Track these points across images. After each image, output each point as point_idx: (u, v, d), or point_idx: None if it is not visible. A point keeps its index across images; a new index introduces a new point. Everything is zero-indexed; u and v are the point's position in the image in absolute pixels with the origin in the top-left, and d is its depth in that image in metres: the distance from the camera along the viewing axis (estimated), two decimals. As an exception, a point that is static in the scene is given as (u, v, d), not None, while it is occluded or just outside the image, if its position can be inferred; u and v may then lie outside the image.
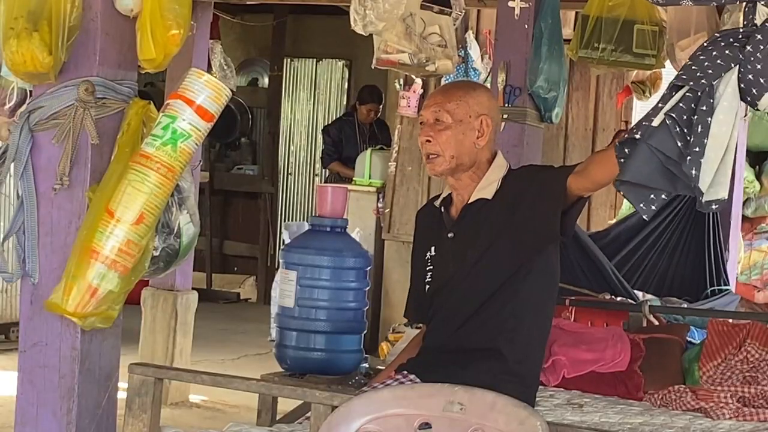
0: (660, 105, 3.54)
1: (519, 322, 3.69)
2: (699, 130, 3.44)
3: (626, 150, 3.52)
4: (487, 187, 3.76)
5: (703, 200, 3.46)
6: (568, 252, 6.57)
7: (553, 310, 3.87)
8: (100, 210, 3.67)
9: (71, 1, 3.67)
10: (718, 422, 4.37)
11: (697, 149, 3.42)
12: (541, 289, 3.74)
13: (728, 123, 3.48)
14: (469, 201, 3.77)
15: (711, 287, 7.15)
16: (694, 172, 3.41)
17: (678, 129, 3.46)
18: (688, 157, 3.42)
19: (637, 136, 3.50)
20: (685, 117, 3.47)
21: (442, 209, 3.86)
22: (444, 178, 3.83)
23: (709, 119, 3.45)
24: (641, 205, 3.54)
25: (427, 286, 3.85)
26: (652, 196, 3.53)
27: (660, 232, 7.23)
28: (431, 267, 3.85)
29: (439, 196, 3.91)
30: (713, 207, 3.50)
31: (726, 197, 3.52)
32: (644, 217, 3.61)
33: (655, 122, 3.50)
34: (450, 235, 3.79)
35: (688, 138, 3.45)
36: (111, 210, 3.65)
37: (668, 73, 6.76)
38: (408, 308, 3.97)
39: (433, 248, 3.84)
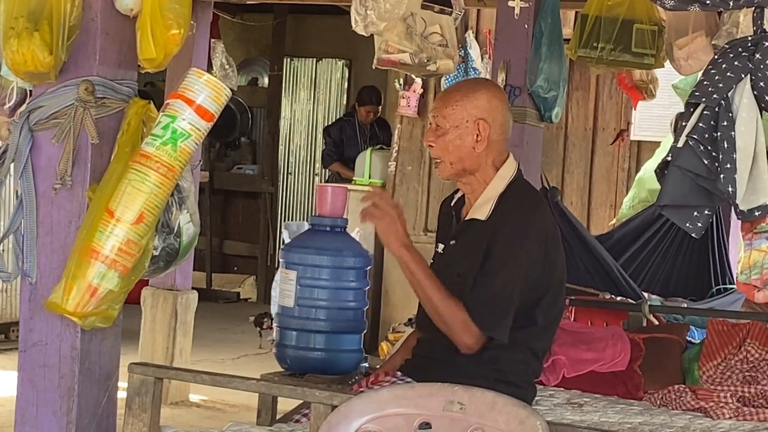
0: (683, 124, 3.56)
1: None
2: (725, 146, 3.44)
3: (665, 173, 3.54)
4: (483, 206, 3.68)
5: (745, 210, 3.46)
6: (573, 251, 6.57)
7: (557, 315, 3.78)
8: (100, 209, 3.66)
9: (71, 1, 3.67)
10: (718, 422, 4.37)
11: (728, 165, 3.43)
12: (528, 302, 3.65)
13: (751, 133, 3.49)
14: (467, 218, 3.73)
15: (716, 286, 7.15)
16: (730, 188, 3.41)
17: (702, 148, 3.47)
18: (722, 175, 3.43)
19: (669, 159, 3.53)
20: (706, 135, 3.48)
21: (454, 212, 3.83)
22: (455, 181, 3.79)
23: (733, 133, 3.46)
24: (687, 224, 3.53)
25: None
26: (695, 213, 3.53)
27: (664, 233, 7.23)
28: (432, 264, 3.83)
29: (458, 191, 3.85)
30: (756, 214, 3.50)
31: None
32: (693, 235, 3.59)
33: (680, 143, 3.52)
34: (452, 242, 3.76)
35: (714, 154, 3.46)
36: (111, 209, 3.65)
37: (665, 73, 6.75)
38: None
39: (441, 246, 3.82)
